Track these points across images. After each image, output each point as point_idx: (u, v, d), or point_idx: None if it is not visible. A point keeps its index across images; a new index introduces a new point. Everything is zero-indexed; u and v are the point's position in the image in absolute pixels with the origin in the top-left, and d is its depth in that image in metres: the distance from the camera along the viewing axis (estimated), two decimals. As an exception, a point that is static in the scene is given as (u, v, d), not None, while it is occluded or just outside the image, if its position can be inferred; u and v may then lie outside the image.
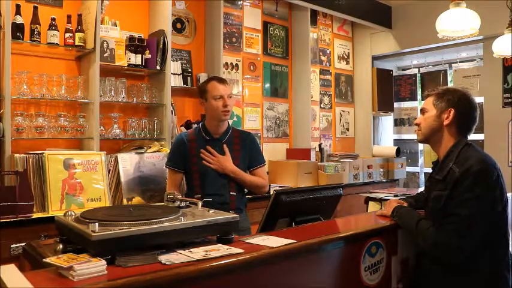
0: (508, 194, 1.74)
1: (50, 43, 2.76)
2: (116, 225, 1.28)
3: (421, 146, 5.22)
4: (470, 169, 1.63)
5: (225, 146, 2.44)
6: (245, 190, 2.55)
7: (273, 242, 1.46)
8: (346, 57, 5.27)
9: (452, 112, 1.77)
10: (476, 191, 1.61)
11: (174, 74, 3.43)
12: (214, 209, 1.57)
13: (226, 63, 4.03)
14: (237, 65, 4.13)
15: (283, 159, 4.41)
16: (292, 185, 3.90)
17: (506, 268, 1.71)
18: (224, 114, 2.42)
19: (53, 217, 1.55)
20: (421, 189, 2.59)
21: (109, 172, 2.83)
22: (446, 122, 1.78)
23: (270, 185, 3.89)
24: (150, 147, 3.08)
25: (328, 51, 5.04)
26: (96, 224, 1.24)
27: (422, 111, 1.88)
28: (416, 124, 1.90)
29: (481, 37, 4.13)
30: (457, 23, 2.56)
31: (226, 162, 2.40)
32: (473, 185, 1.62)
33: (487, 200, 1.63)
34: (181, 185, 2.60)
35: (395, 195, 3.06)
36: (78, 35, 2.85)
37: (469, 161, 1.66)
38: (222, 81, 2.48)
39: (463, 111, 1.78)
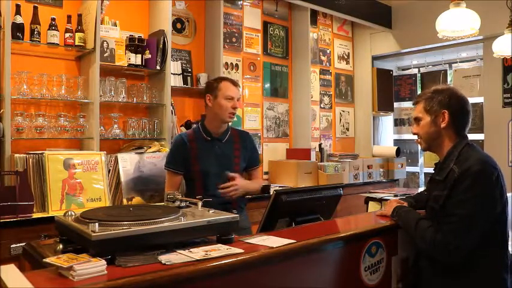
0: (508, 194, 1.74)
1: (50, 43, 2.76)
2: (116, 225, 1.28)
3: (421, 146, 5.21)
4: (470, 169, 1.62)
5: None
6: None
7: (273, 242, 1.46)
8: (346, 57, 5.27)
9: (446, 114, 1.75)
10: (476, 191, 1.61)
11: (174, 74, 3.43)
12: (216, 209, 1.57)
13: (226, 63, 4.03)
14: (237, 65, 4.13)
15: (283, 159, 4.41)
16: (292, 185, 3.90)
17: (505, 269, 1.70)
18: (230, 116, 2.42)
19: (53, 217, 1.55)
20: (421, 189, 2.58)
21: (109, 172, 2.83)
22: (443, 125, 1.76)
23: (270, 185, 3.90)
24: (150, 147, 3.09)
25: (328, 51, 5.04)
26: (96, 224, 1.24)
27: (416, 120, 1.84)
28: (414, 134, 1.86)
29: (481, 37, 4.13)
30: (457, 23, 2.56)
31: (243, 183, 2.39)
32: (473, 185, 1.61)
33: (486, 200, 1.63)
34: (180, 187, 2.59)
35: (395, 195, 3.05)
36: (78, 35, 2.85)
37: (469, 161, 1.65)
38: (235, 83, 2.49)
39: (456, 109, 1.76)
